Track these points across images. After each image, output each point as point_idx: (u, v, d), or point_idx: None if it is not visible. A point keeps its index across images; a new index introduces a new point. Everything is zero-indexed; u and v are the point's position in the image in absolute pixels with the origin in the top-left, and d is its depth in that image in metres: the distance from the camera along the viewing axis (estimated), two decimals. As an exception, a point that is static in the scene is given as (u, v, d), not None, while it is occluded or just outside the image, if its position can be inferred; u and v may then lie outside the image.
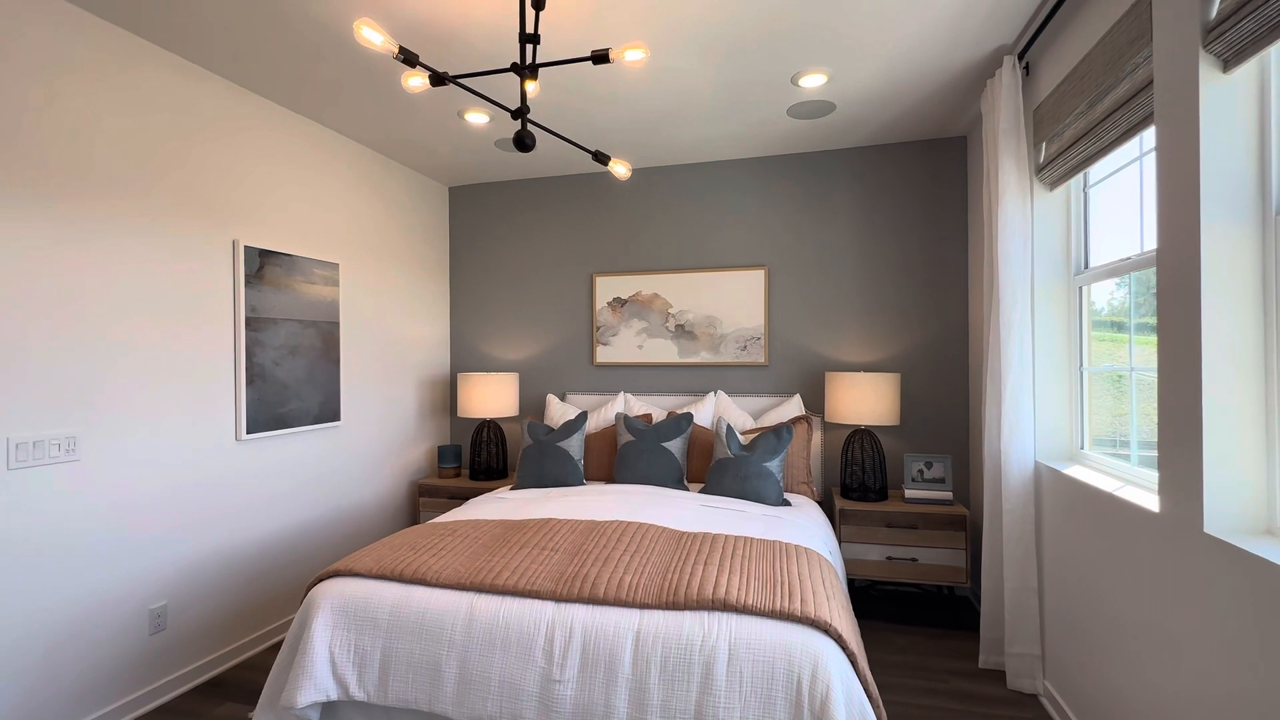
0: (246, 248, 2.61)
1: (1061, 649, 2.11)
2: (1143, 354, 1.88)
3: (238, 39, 2.24)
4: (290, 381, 2.83)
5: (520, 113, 1.68)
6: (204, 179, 2.45)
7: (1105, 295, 2.15)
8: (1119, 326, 2.07)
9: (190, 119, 2.40)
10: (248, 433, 2.62)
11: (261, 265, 2.69)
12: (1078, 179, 2.26)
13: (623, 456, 3.06)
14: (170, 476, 2.33)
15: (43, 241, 1.94)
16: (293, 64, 2.42)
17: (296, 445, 2.90)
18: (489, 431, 3.65)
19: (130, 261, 2.19)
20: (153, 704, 2.26)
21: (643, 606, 1.70)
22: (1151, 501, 1.62)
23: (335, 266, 3.09)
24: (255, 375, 2.66)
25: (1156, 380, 1.55)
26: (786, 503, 2.77)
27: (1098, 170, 2.17)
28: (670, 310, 3.66)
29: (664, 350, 3.67)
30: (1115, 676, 1.75)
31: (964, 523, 2.83)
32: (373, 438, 3.40)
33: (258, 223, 2.69)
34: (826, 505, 3.40)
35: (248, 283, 2.62)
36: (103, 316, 2.11)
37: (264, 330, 2.70)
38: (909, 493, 3.00)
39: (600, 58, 1.60)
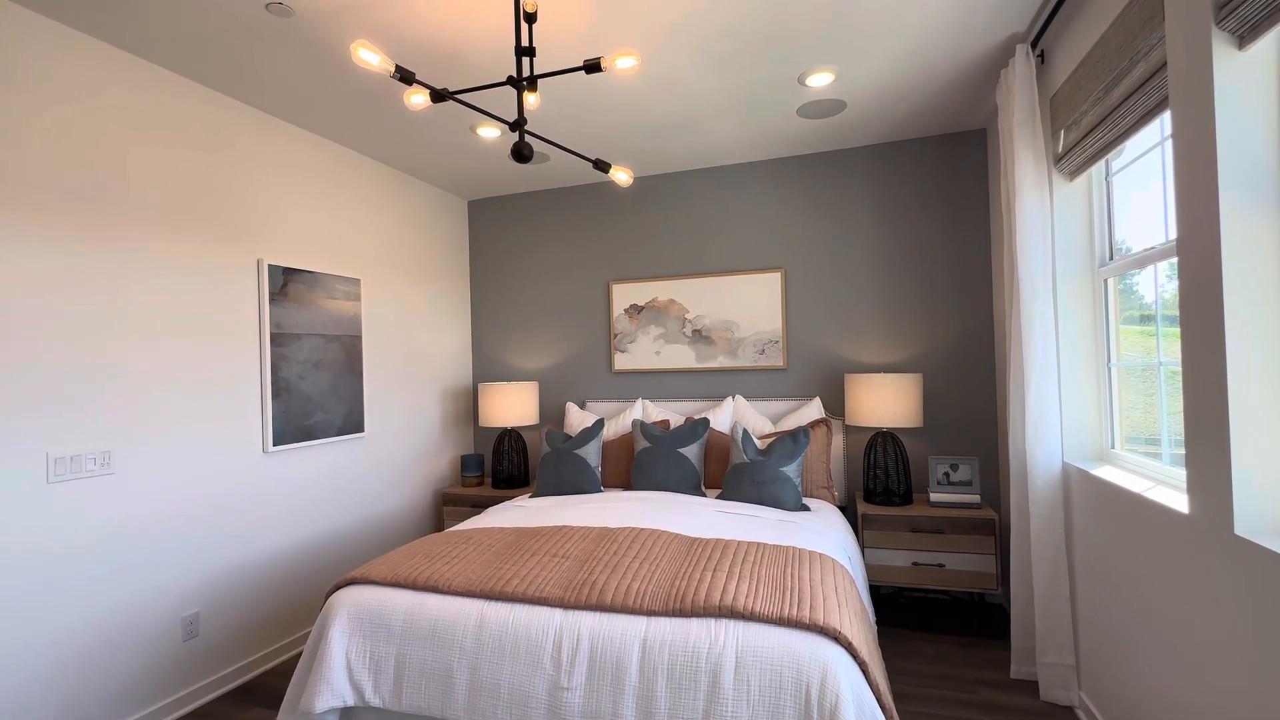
0: (270, 266, 2.70)
1: (1096, 659, 2.02)
2: (1171, 347, 1.79)
3: (260, 68, 2.33)
4: (315, 394, 2.92)
5: (518, 125, 1.70)
6: (229, 202, 2.56)
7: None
8: (1148, 319, 1.97)
9: (216, 146, 2.50)
10: (274, 445, 2.70)
11: (285, 283, 2.78)
12: (1099, 167, 2.17)
13: (639, 463, 3.05)
14: (201, 488, 2.42)
15: (78, 267, 2.05)
16: (312, 88, 2.51)
17: (322, 456, 2.98)
18: (510, 440, 3.69)
19: (161, 283, 2.30)
20: (186, 709, 2.34)
21: (649, 614, 1.68)
22: (1181, 502, 1.54)
23: (357, 282, 3.18)
24: (281, 389, 2.75)
25: (1181, 374, 1.47)
26: (805, 508, 2.72)
27: (1120, 157, 2.08)
28: (687, 315, 3.65)
29: (681, 356, 3.66)
30: (1152, 688, 1.66)
31: (993, 527, 2.73)
32: (397, 448, 3.47)
33: (281, 242, 2.79)
34: (849, 510, 3.33)
35: (272, 300, 2.71)
36: (135, 336, 2.21)
37: (288, 345, 2.79)
38: (934, 496, 2.92)
39: (592, 67, 1.61)
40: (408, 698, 1.76)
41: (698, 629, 1.62)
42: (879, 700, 1.49)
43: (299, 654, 2.82)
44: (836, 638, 1.54)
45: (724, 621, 1.63)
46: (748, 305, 3.53)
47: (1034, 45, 2.21)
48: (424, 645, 1.78)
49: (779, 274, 3.47)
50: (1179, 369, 1.73)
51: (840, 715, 1.42)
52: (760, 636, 1.57)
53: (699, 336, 3.62)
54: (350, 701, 1.81)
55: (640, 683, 1.59)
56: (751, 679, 1.52)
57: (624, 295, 3.78)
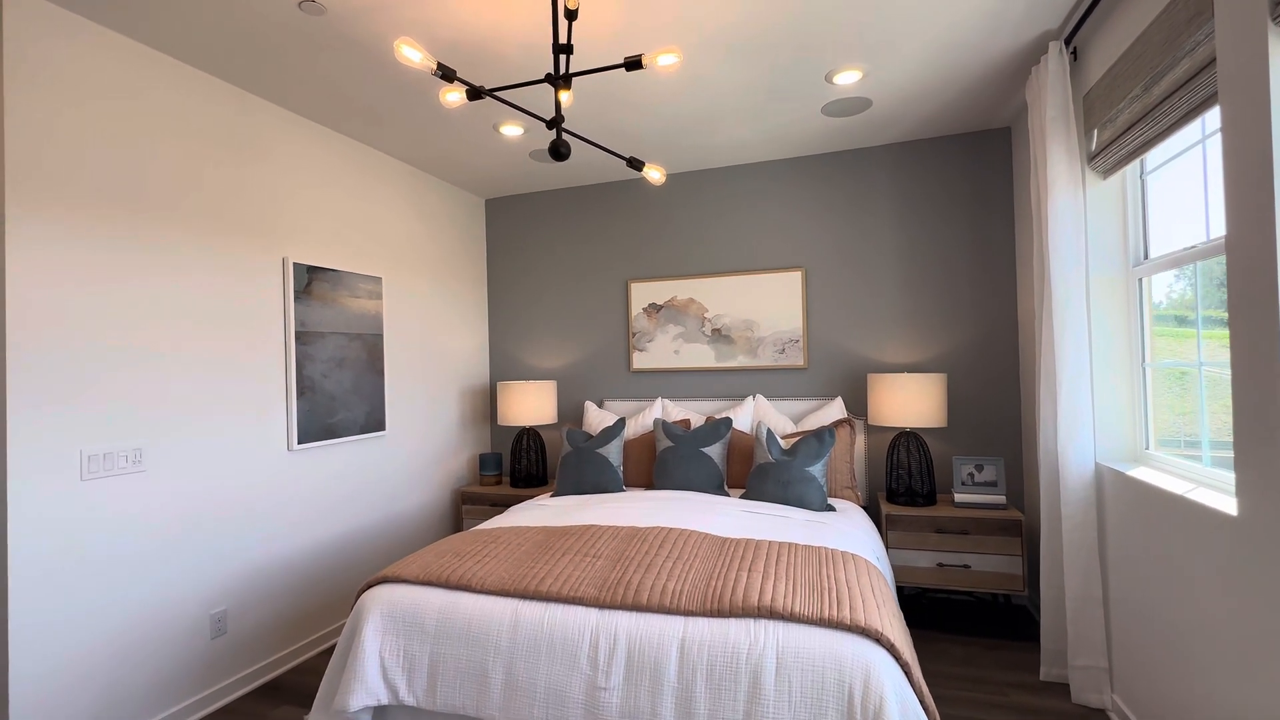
0: (295, 265, 2.71)
1: (1131, 661, 2.00)
2: (1211, 348, 1.77)
3: (290, 67, 2.33)
4: (338, 393, 2.92)
5: (555, 122, 1.69)
6: (256, 202, 2.56)
7: (1163, 288, 2.04)
8: (1181, 320, 1.96)
9: (245, 144, 2.51)
10: (299, 443, 2.71)
11: (309, 281, 2.78)
12: (1134, 166, 2.15)
13: (662, 462, 3.04)
14: (228, 485, 2.43)
15: (109, 267, 2.06)
16: (339, 86, 2.51)
17: (344, 454, 2.98)
18: (528, 439, 3.68)
19: (189, 282, 2.30)
20: (215, 705, 2.34)
21: (687, 614, 1.68)
22: (1228, 504, 1.52)
23: (379, 280, 3.18)
24: (305, 387, 2.75)
25: (1230, 376, 1.46)
26: (830, 508, 2.70)
27: (1155, 156, 2.06)
28: (706, 314, 3.63)
29: (701, 355, 3.65)
30: (1191, 691, 1.64)
31: (1019, 528, 2.71)
32: (416, 446, 3.47)
33: (305, 241, 2.79)
34: (872, 510, 3.31)
35: (297, 298, 2.71)
36: (165, 335, 2.22)
37: (312, 344, 2.79)
38: (959, 497, 2.90)
39: (634, 64, 1.60)
40: (443, 697, 1.76)
41: (736, 629, 1.61)
42: (923, 703, 1.48)
43: (325, 651, 2.82)
44: (878, 639, 1.53)
45: (763, 622, 1.62)
46: (768, 304, 3.52)
47: (1067, 42, 2.19)
48: (458, 644, 1.78)
49: (799, 273, 3.46)
50: (1218, 370, 1.72)
51: (885, 717, 1.41)
52: (800, 637, 1.56)
53: (718, 336, 3.61)
54: (385, 700, 1.80)
55: (679, 683, 1.58)
56: (793, 680, 1.51)
57: (642, 294, 3.77)
